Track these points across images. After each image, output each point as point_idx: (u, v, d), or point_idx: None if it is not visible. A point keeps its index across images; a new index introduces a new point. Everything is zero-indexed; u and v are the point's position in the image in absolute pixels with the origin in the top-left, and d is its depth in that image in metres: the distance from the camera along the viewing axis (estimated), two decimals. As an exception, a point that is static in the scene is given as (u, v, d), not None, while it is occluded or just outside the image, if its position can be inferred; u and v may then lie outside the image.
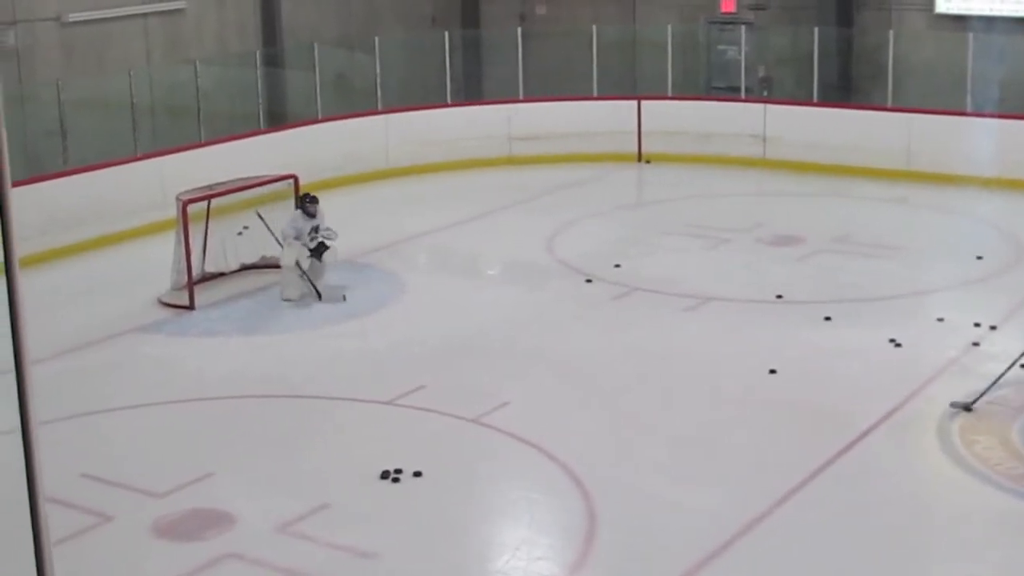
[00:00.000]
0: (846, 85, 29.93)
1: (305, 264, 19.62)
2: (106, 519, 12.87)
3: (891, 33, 27.78)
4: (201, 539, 12.57)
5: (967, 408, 14.69)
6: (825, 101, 28.26)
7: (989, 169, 25.75)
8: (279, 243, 19.93)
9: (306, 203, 19.95)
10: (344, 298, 19.70)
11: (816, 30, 28.29)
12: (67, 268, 21.12)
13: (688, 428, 14.94)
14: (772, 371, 16.39)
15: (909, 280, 20.31)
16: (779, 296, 19.44)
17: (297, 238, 19.64)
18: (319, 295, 19.53)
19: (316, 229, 19.78)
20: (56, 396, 16.16)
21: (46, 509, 5.49)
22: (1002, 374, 15.08)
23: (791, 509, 12.90)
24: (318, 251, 19.69)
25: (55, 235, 21.49)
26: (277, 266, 21.05)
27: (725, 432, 14.80)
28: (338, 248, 20.07)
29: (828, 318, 18.43)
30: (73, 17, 26.26)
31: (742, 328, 18.36)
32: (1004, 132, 26.26)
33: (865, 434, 14.54)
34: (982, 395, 14.83)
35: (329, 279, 19.93)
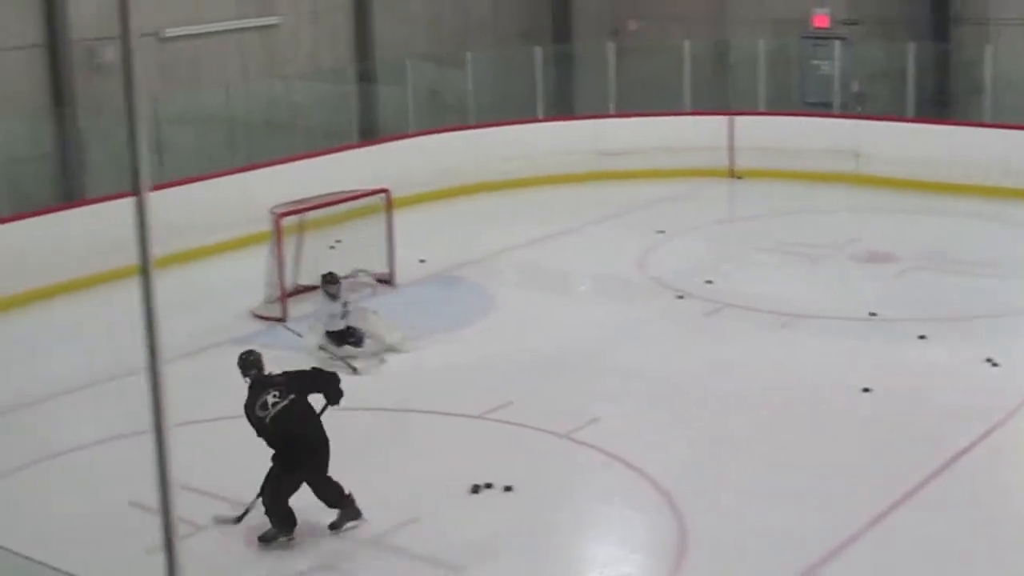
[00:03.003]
0: (942, 100, 29.64)
1: (333, 347, 18.30)
2: (199, 528, 12.95)
3: (988, 48, 27.46)
4: (292, 549, 12.64)
5: (236, 521, 13.10)
6: (920, 117, 27.98)
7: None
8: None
9: (326, 284, 18.54)
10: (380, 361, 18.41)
11: (911, 45, 28.03)
12: (162, 280, 21.17)
13: (780, 446, 14.82)
14: (866, 390, 16.23)
15: (1006, 298, 20.04)
16: (872, 314, 19.25)
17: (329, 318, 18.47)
18: (354, 370, 17.82)
19: (345, 306, 18.51)
20: (168, 404, 16.25)
21: (175, 506, 5.57)
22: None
23: (883, 531, 12.75)
24: (347, 337, 18.33)
25: (153, 248, 21.66)
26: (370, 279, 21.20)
27: (817, 451, 14.66)
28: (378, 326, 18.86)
29: (923, 336, 18.23)
30: (170, 32, 26.51)
31: (835, 346, 18.20)
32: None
33: (960, 456, 14.35)
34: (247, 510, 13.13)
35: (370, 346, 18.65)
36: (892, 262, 21.94)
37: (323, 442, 12.74)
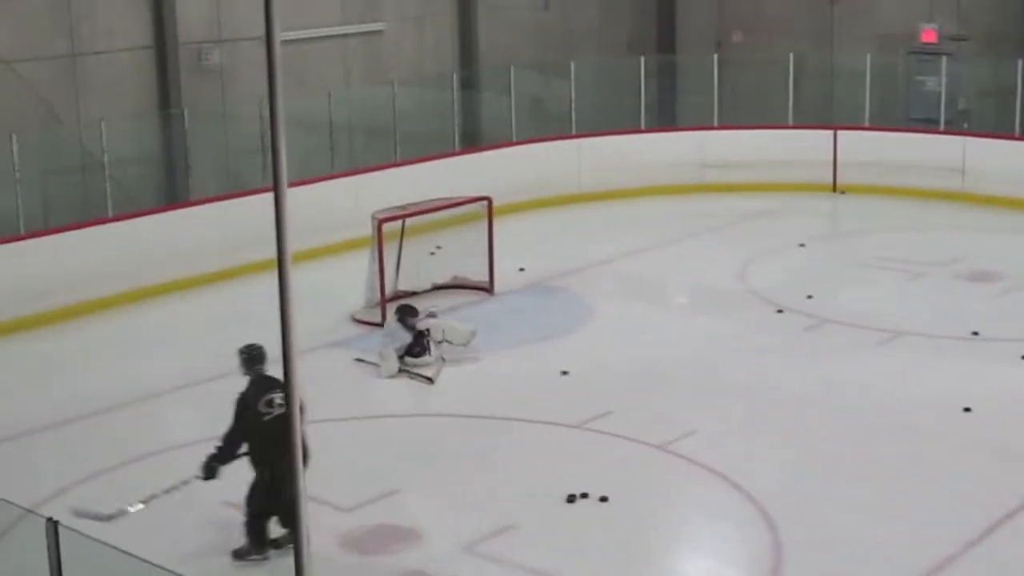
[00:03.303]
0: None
1: (408, 367, 18.14)
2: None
3: (1098, 66, 27.09)
4: (387, 554, 12.71)
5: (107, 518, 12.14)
6: (1027, 135, 27.65)
7: None
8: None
9: (406, 316, 18.47)
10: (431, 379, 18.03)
11: (1021, 62, 27.67)
12: (264, 283, 21.43)
13: (879, 465, 14.68)
14: (967, 409, 16.05)
15: (1111, 320, 19.76)
16: (975, 333, 19.03)
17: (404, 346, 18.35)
18: (429, 380, 17.85)
19: (422, 335, 18.43)
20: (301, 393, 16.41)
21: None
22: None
23: (980, 553, 12.59)
24: (413, 348, 18.25)
25: (252, 250, 21.84)
26: (469, 287, 21.28)
27: (917, 470, 14.51)
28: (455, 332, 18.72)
29: (1025, 357, 18.03)
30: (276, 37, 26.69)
31: (936, 364, 18.02)
32: None
33: (1062, 478, 14.18)
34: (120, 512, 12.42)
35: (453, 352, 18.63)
36: (996, 281, 21.68)
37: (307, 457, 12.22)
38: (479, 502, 13.85)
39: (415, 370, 17.93)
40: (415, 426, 16.28)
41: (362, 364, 18.34)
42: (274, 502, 12.19)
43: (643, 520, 13.45)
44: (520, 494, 14.03)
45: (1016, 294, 21.07)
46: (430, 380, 17.73)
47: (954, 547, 12.58)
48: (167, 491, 12.59)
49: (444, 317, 19.08)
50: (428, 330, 18.38)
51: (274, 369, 17.35)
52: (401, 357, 18.10)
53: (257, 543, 12.58)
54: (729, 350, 18.73)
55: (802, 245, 24.25)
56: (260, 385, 12.58)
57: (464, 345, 18.43)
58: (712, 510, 13.81)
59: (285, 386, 5.91)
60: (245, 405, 12.49)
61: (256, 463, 12.50)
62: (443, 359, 18.23)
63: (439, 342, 18.36)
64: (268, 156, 24.46)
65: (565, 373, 17.78)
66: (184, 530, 13.33)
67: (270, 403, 12.40)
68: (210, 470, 12.50)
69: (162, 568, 9.37)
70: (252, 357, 12.77)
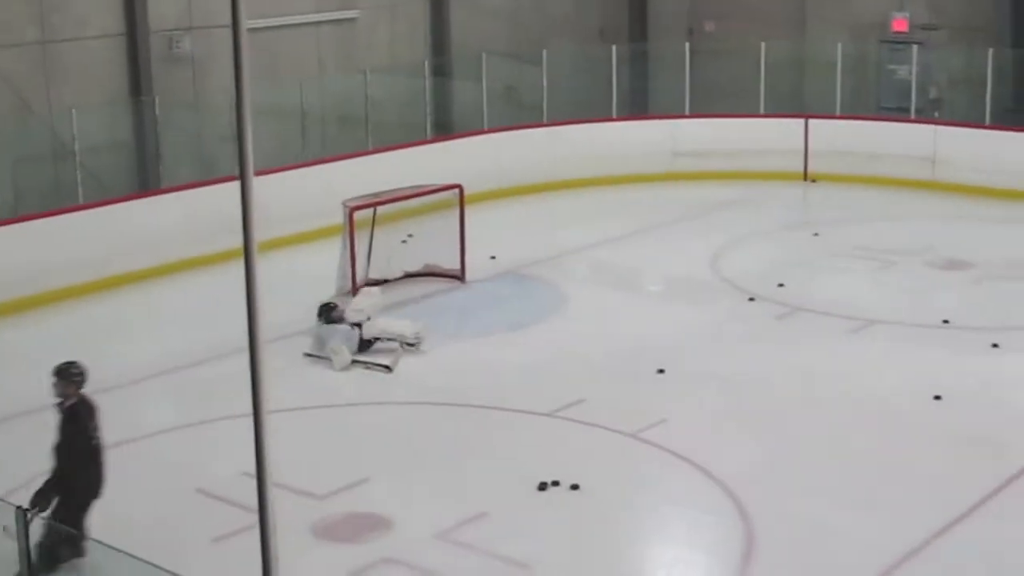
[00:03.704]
0: (1020, 108, 29.32)
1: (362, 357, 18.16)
2: (267, 519, 13.00)
3: (1069, 55, 27.21)
4: (359, 542, 12.71)
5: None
6: (998, 124, 27.73)
7: None
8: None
9: (328, 313, 18.50)
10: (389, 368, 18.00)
11: (991, 51, 27.77)
12: (236, 271, 21.38)
13: (850, 452, 14.73)
14: (937, 397, 16.12)
15: (1081, 308, 19.86)
16: (945, 321, 19.11)
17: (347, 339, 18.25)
18: (388, 368, 17.85)
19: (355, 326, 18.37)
20: (220, 396, 16.43)
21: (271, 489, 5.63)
22: None
23: (951, 539, 12.65)
24: (366, 346, 18.26)
25: (224, 238, 21.78)
26: (441, 275, 21.28)
27: (887, 458, 14.56)
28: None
29: (996, 345, 18.09)
30: (247, 24, 26.51)
31: (907, 353, 18.08)
32: None
33: (1031, 465, 14.25)
34: None
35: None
36: (967, 269, 21.77)
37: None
38: (451, 490, 13.86)
39: (371, 360, 17.91)
40: (387, 414, 16.28)
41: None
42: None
43: (615, 508, 13.47)
44: (492, 482, 14.05)
45: (987, 282, 21.16)
46: (388, 368, 17.72)
47: (925, 534, 12.63)
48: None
49: (383, 317, 18.88)
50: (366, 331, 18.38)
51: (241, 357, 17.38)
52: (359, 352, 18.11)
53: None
54: (701, 338, 18.78)
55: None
56: (88, 411, 12.06)
57: (413, 345, 18.35)
58: (684, 498, 13.83)
59: (252, 373, 5.85)
60: (81, 429, 12.00)
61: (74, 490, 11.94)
62: (402, 347, 18.20)
63: (388, 340, 18.31)
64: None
65: (538, 361, 17.79)
66: (163, 520, 13.31)
67: (97, 428, 12.00)
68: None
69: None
70: (71, 377, 12.16)
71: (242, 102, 5.48)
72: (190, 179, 23.60)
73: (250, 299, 5.57)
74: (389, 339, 18.23)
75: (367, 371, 17.74)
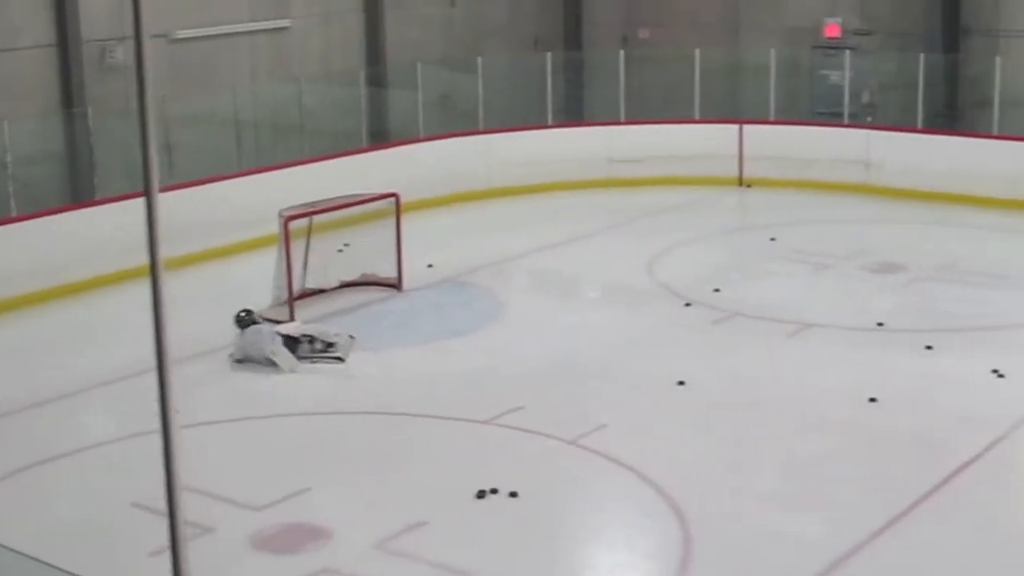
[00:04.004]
0: (951, 112, 29.61)
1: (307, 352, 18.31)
2: (205, 531, 12.96)
3: (998, 60, 27.45)
4: (299, 553, 12.65)
5: None
6: (930, 128, 27.98)
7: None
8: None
9: (245, 318, 18.52)
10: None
11: (922, 56, 28.03)
12: (169, 282, 21.21)
13: (786, 455, 14.82)
14: (872, 399, 16.23)
15: (1013, 310, 20.03)
16: (880, 324, 19.25)
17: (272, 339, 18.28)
18: (342, 359, 18.23)
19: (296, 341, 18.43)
20: (157, 408, 16.29)
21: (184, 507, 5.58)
22: None
23: (889, 540, 12.75)
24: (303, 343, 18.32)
25: (159, 248, 21.66)
26: (378, 283, 21.26)
27: (824, 460, 14.66)
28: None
29: (930, 347, 18.23)
30: (181, 34, 26.54)
31: (843, 356, 18.20)
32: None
33: (966, 466, 14.35)
34: None
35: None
36: (900, 273, 21.94)
37: None
38: (390, 499, 13.83)
39: (321, 354, 17.94)
40: (326, 424, 16.23)
41: (262, 364, 18.15)
42: None
43: (554, 514, 13.48)
44: (431, 490, 14.03)
45: (920, 285, 21.34)
46: (340, 359, 17.74)
47: (860, 536, 12.71)
48: None
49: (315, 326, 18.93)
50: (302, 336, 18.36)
51: (178, 368, 17.30)
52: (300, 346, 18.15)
53: None
54: (639, 344, 18.83)
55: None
56: None
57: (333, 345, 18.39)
58: (623, 503, 13.88)
59: (160, 392, 5.75)
60: None
61: None
62: (351, 336, 18.23)
63: (313, 341, 18.36)
64: (173, 154, 24.33)
65: (476, 369, 17.79)
66: (100, 536, 13.22)
67: None
68: None
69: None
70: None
71: (145, 115, 5.40)
72: (124, 190, 23.42)
73: (157, 313, 5.49)
74: (314, 338, 18.24)
75: (314, 366, 17.71)
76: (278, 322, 19.20)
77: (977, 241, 24.25)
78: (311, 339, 18.33)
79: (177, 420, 5.62)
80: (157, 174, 5.40)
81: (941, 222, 25.51)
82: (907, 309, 20.18)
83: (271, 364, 17.94)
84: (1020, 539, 12.98)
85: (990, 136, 27.21)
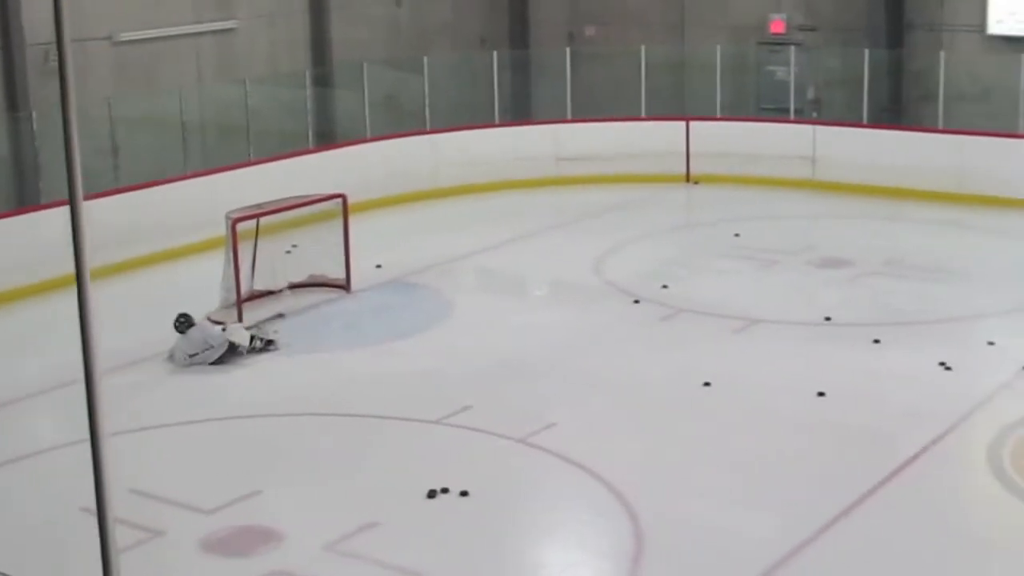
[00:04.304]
0: (896, 107, 29.81)
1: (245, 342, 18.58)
2: (156, 534, 12.91)
3: (942, 55, 27.65)
4: (250, 555, 12.61)
5: None
6: (875, 123, 28.17)
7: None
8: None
9: (183, 324, 18.41)
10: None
11: (867, 52, 28.19)
12: (116, 286, 21.18)
13: (736, 451, 14.87)
14: (821, 394, 16.32)
15: (960, 303, 20.18)
16: (828, 318, 19.35)
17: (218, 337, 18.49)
18: (271, 342, 18.83)
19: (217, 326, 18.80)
20: (106, 411, 16.22)
21: (114, 519, 5.55)
22: None
23: (839, 534, 12.82)
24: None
25: (105, 252, 21.54)
26: (326, 285, 21.23)
27: (773, 455, 14.72)
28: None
29: (877, 341, 18.34)
30: (125, 36, 26.40)
31: (790, 351, 18.28)
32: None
33: (915, 458, 14.45)
34: None
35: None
36: (847, 267, 22.05)
37: None
38: (340, 501, 13.80)
39: (263, 319, 18.22)
40: (276, 426, 16.17)
41: (215, 364, 18.12)
42: None
43: (504, 513, 13.50)
44: (381, 491, 14.00)
45: (866, 279, 21.45)
46: (281, 315, 18.45)
47: (810, 531, 12.77)
48: None
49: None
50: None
51: (127, 372, 17.24)
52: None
53: None
54: (587, 342, 18.86)
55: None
56: None
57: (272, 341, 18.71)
58: (573, 501, 13.88)
59: (89, 404, 5.70)
60: None
61: None
62: (280, 315, 18.40)
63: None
64: (119, 157, 24.19)
65: (424, 369, 17.79)
66: (48, 541, 13.15)
67: None
68: None
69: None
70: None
71: (68, 119, 5.36)
72: (65, 194, 23.28)
73: (85, 325, 5.45)
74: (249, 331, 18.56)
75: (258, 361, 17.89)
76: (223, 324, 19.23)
77: (923, 235, 24.42)
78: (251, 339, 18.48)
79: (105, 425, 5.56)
80: (80, 179, 5.35)
81: (887, 217, 25.67)
82: (854, 304, 20.28)
83: (226, 354, 17.99)
84: (968, 531, 13.07)
85: (935, 130, 27.37)
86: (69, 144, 5.28)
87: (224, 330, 18.50)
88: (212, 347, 18.16)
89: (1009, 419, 15.39)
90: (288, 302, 20.71)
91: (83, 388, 5.61)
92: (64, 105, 5.30)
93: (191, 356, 18.14)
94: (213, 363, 18.09)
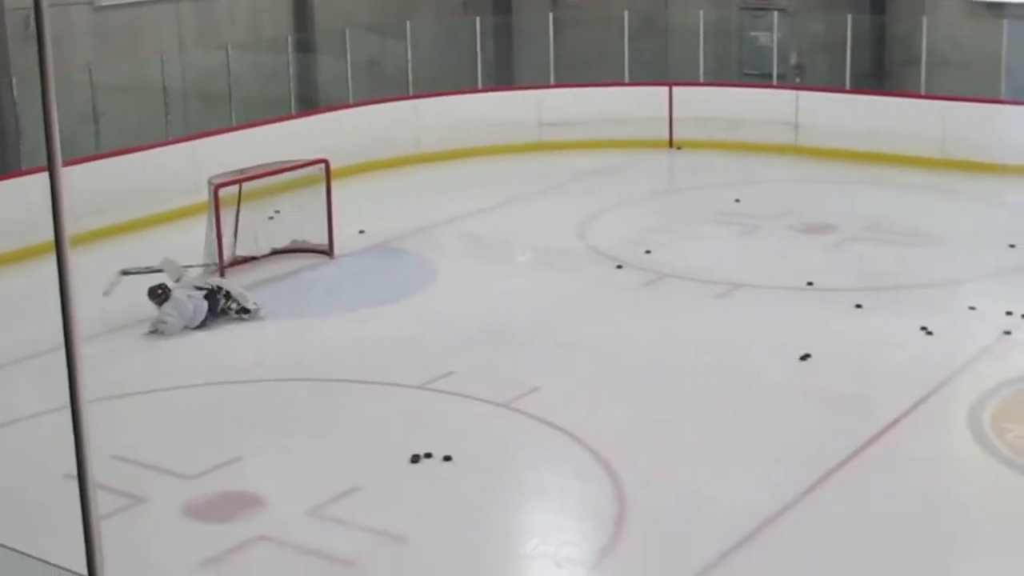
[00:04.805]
0: (879, 72, 29.81)
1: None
2: (138, 500, 12.92)
3: (924, 20, 27.63)
4: (232, 521, 12.62)
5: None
6: (858, 88, 28.16)
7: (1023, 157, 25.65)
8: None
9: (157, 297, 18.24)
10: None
11: (849, 17, 28.18)
12: (99, 252, 21.13)
13: (718, 415, 14.91)
14: (803, 358, 16.36)
15: (941, 268, 20.23)
16: (810, 283, 19.38)
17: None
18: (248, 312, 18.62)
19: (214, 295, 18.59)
20: (88, 377, 16.21)
21: (94, 486, 5.55)
22: None
23: (821, 497, 12.87)
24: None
25: (87, 219, 21.53)
26: (309, 250, 21.21)
27: (756, 420, 14.76)
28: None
29: (859, 306, 18.38)
30: (106, 2, 26.29)
31: (773, 315, 18.32)
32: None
33: (896, 422, 14.51)
34: None
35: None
36: (829, 232, 22.08)
37: None
38: (323, 465, 13.81)
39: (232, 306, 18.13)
40: (258, 391, 16.17)
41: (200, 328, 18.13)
42: None
43: (488, 478, 13.51)
44: (364, 456, 14.03)
45: (848, 245, 21.49)
46: (249, 312, 18.26)
47: (792, 495, 12.82)
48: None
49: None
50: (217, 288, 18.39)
51: (107, 338, 17.23)
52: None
53: None
54: (570, 307, 18.88)
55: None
56: None
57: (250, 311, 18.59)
58: (556, 465, 13.91)
59: (69, 376, 5.67)
60: None
61: None
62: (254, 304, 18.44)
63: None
64: (101, 123, 24.11)
65: (408, 334, 17.79)
66: (32, 507, 13.15)
67: None
68: None
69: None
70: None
71: (47, 84, 5.33)
72: (45, 160, 23.17)
73: (64, 291, 5.44)
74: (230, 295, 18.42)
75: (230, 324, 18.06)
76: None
77: (905, 201, 24.46)
78: (227, 295, 18.29)
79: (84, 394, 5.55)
80: (59, 146, 5.32)
81: (870, 182, 25.70)
82: (836, 268, 20.31)
83: (210, 313, 18.18)
84: (948, 495, 13.13)
85: (917, 96, 27.40)
86: (47, 110, 5.26)
87: (216, 288, 18.43)
88: (196, 309, 18.09)
89: (990, 383, 15.44)
90: (271, 268, 20.69)
91: (63, 355, 5.60)
92: (42, 70, 5.27)
93: (183, 325, 18.07)
94: (199, 326, 18.06)
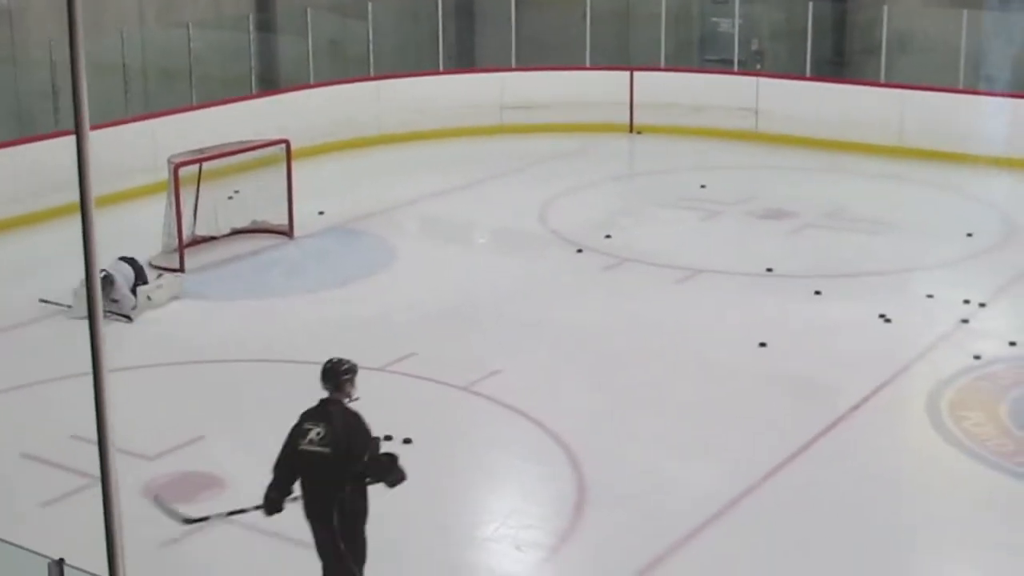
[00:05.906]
0: (839, 60, 29.91)
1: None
2: (97, 480, 12.83)
3: (885, 8, 27.73)
4: (193, 502, 12.58)
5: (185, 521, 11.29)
6: (818, 75, 28.26)
7: (981, 147, 25.79)
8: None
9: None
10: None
11: (811, 4, 28.25)
12: (58, 229, 21.00)
13: (677, 400, 14.97)
14: (762, 344, 16.43)
15: (899, 256, 20.34)
16: (769, 269, 19.46)
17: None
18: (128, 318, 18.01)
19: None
20: (47, 357, 16.17)
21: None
22: None
23: (780, 483, 12.94)
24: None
25: (46, 196, 21.42)
26: (268, 231, 21.15)
27: (714, 405, 14.83)
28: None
29: (818, 292, 18.48)
30: (66, -23, 26.07)
31: (732, 301, 18.39)
32: (997, 109, 26.33)
33: (854, 409, 14.61)
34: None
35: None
36: (789, 219, 22.18)
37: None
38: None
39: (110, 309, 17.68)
40: (218, 372, 16.14)
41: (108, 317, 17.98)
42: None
43: (448, 461, 13.52)
44: (325, 438, 13.98)
45: (808, 231, 21.59)
46: (128, 318, 17.73)
47: (751, 480, 12.89)
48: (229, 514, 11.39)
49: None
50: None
51: (63, 318, 17.08)
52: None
53: None
54: (530, 290, 18.91)
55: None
56: (310, 410, 11.12)
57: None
58: (516, 449, 13.94)
59: (91, 337, 5.72)
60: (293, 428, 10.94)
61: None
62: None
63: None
64: (60, 100, 23.93)
65: (368, 316, 17.77)
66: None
67: (304, 433, 10.92)
68: (269, 502, 10.91)
69: None
70: (322, 373, 11.25)
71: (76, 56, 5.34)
72: (10, 137, 23.08)
73: (88, 260, 5.46)
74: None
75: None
76: (170, 270, 19.16)
77: (864, 188, 24.59)
78: (112, 282, 17.75)
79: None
80: (87, 119, 5.32)
81: (829, 169, 25.83)
82: (795, 255, 20.41)
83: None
84: (906, 481, 13.23)
85: (877, 84, 27.51)
86: (77, 83, 5.27)
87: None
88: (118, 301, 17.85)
89: (947, 371, 15.55)
90: (230, 248, 20.62)
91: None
92: (72, 44, 5.26)
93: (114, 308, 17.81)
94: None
